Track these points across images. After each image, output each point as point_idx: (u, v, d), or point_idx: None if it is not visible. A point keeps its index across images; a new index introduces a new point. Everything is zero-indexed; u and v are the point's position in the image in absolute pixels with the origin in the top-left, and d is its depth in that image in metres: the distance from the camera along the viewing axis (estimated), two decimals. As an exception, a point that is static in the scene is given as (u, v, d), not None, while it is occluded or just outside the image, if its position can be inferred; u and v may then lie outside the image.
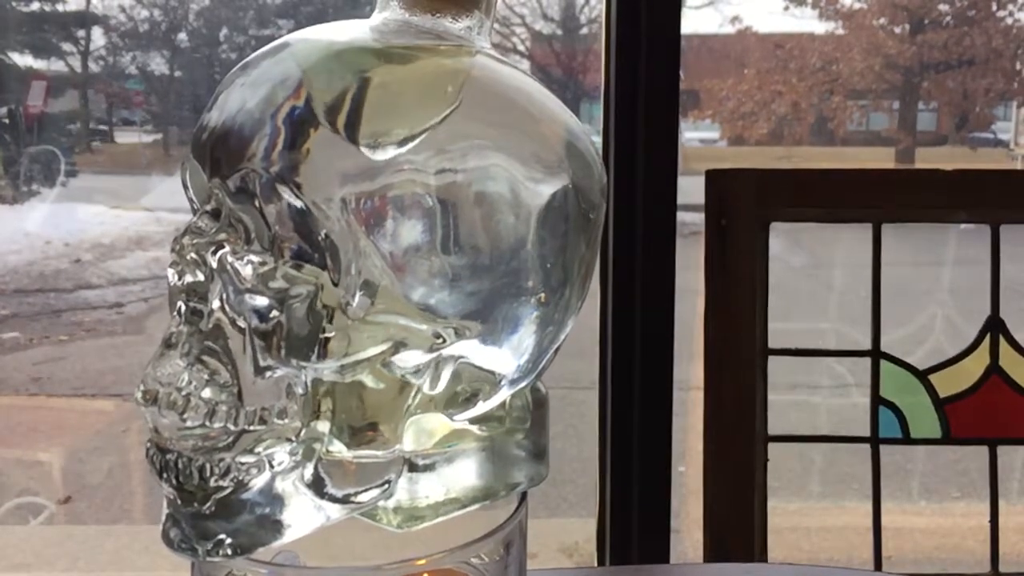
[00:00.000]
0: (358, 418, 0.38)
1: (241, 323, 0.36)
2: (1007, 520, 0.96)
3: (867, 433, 0.96)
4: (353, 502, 0.38)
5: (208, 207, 0.37)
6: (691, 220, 1.34)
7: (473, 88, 0.38)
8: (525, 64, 4.74)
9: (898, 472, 2.59)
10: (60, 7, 4.03)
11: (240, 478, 0.36)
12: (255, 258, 0.36)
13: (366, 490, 0.38)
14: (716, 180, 0.96)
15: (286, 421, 0.36)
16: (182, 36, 4.23)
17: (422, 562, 0.37)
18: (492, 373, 0.40)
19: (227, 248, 0.36)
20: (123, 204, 4.20)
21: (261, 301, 0.36)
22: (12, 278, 3.69)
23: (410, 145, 0.36)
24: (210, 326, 0.36)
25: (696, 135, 5.66)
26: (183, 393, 0.35)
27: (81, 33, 4.06)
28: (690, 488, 2.09)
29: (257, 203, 0.36)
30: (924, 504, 2.60)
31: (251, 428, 0.36)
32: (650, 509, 1.12)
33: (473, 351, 0.38)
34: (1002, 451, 0.94)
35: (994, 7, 5.37)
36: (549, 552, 2.25)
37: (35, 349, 3.31)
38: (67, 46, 4.10)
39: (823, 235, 4.02)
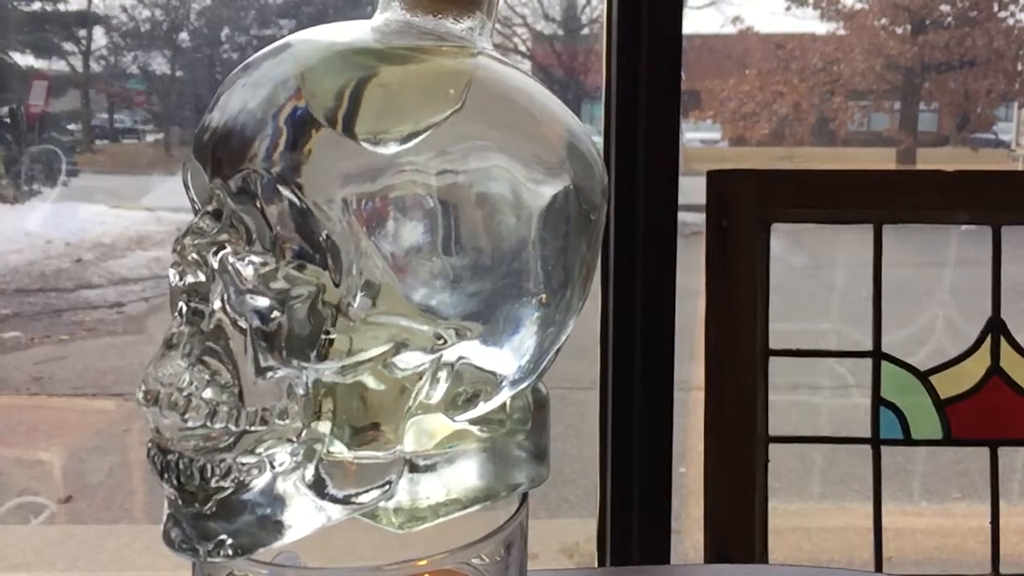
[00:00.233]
0: (359, 419, 0.38)
1: (242, 324, 0.36)
2: (1008, 521, 0.96)
3: (868, 434, 0.95)
4: (354, 503, 0.38)
5: (210, 208, 0.37)
6: (692, 220, 1.34)
7: (476, 90, 0.38)
8: (526, 64, 4.74)
9: (899, 473, 2.59)
10: (61, 7, 4.03)
11: (241, 479, 0.36)
12: (256, 259, 0.36)
13: (367, 491, 0.38)
14: (717, 180, 0.96)
15: (287, 422, 0.36)
16: (183, 36, 4.23)
17: (423, 563, 0.37)
18: (493, 374, 0.40)
19: (228, 249, 0.36)
20: (124, 204, 4.20)
21: (262, 302, 0.36)
22: (13, 277, 3.69)
23: (413, 142, 0.36)
24: (211, 327, 0.36)
25: (697, 135, 5.67)
26: (184, 394, 0.35)
27: (82, 33, 4.06)
28: (691, 489, 2.09)
29: (258, 204, 0.36)
30: (925, 505, 2.60)
31: (252, 429, 0.36)
32: (651, 510, 1.12)
33: (474, 352, 0.38)
34: (1003, 452, 0.94)
35: (995, 8, 5.37)
36: (550, 552, 2.25)
37: (36, 348, 3.31)
38: (68, 46, 4.10)
39: (824, 236, 4.02)
